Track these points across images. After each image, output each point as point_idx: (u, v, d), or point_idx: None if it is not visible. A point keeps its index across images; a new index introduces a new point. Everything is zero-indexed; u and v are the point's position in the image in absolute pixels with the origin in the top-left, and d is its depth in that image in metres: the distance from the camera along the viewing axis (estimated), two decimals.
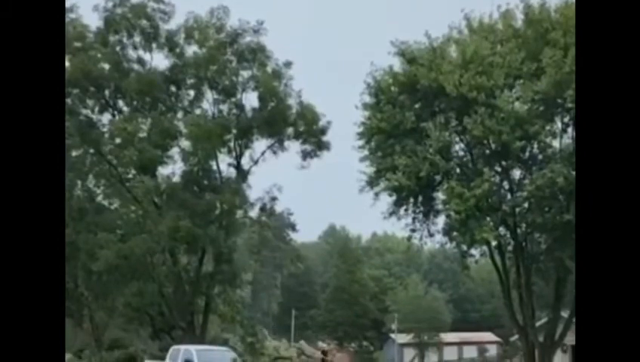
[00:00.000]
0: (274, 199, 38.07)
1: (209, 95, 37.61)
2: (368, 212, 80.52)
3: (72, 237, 32.24)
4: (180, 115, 37.88)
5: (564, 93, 26.53)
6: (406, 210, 31.00)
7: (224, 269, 36.13)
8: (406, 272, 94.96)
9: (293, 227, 42.90)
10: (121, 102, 37.77)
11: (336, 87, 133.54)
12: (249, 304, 59.06)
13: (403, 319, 75.44)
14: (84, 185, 37.36)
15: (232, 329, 45.06)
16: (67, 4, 33.70)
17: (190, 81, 37.67)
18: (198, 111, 37.59)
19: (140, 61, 37.35)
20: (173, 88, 37.81)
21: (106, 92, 37.22)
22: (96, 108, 37.65)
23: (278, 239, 48.78)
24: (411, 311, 75.13)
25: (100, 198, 38.33)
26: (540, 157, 28.88)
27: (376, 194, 30.24)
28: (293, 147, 37.87)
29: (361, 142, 30.49)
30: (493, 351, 78.42)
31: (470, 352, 79.82)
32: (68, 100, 34.58)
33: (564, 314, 32.28)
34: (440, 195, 29.99)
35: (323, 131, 37.60)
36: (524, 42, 28.82)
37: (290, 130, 37.66)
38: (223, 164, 37.60)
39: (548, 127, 28.61)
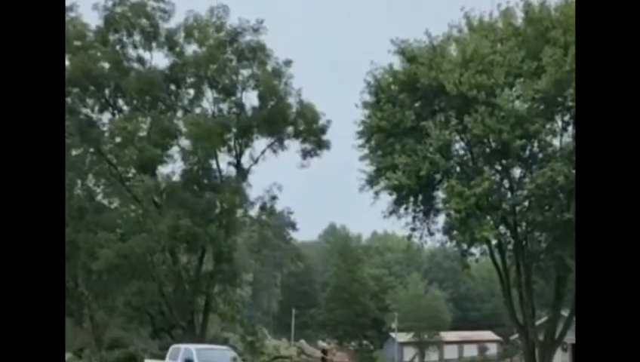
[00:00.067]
0: (274, 198, 38.16)
1: (209, 94, 37.69)
2: (368, 211, 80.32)
3: (72, 237, 32.24)
4: (179, 113, 37.91)
5: (564, 92, 26.53)
6: (406, 208, 31.01)
7: (224, 268, 36.15)
8: (406, 271, 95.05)
9: (293, 226, 43.10)
10: (121, 101, 37.82)
11: (336, 86, 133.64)
12: (249, 303, 59.05)
13: (403, 318, 75.52)
14: (84, 184, 37.38)
15: (232, 329, 45.13)
16: (67, 3, 33.75)
17: (190, 80, 37.69)
18: (198, 110, 37.61)
19: (140, 60, 37.40)
20: (173, 87, 37.84)
21: (106, 91, 37.24)
22: (96, 107, 37.69)
23: (278, 238, 48.89)
24: (411, 310, 75.22)
25: (99, 197, 38.34)
26: (541, 155, 28.88)
27: (377, 193, 30.26)
28: (293, 146, 37.97)
29: (361, 141, 30.52)
30: (493, 349, 78.61)
31: (470, 351, 79.99)
32: (68, 99, 34.61)
33: (565, 312, 32.29)
34: (440, 194, 29.99)
35: (323, 130, 37.63)
36: (524, 41, 28.81)
37: (290, 129, 37.69)
38: (223, 162, 37.72)
39: (548, 126, 28.62)
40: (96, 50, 36.43)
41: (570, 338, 34.39)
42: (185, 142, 36.30)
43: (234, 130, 37.12)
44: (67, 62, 33.33)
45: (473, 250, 30.86)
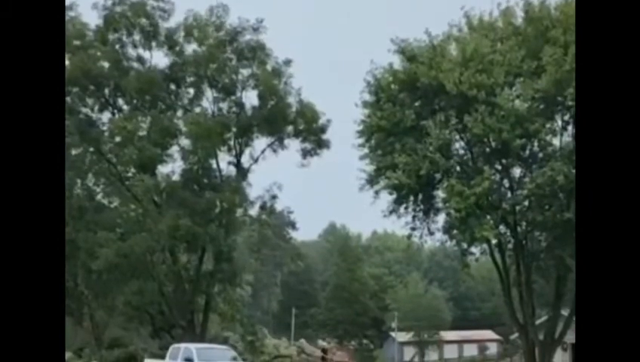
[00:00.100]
0: (274, 197, 38.13)
1: (209, 93, 37.66)
2: (368, 210, 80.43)
3: (72, 236, 32.23)
4: (179, 113, 37.88)
5: (564, 91, 26.54)
6: (406, 208, 31.02)
7: (224, 268, 36.13)
8: (406, 270, 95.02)
9: (293, 225, 42.99)
10: (120, 101, 37.79)
11: (336, 85, 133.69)
12: (249, 302, 59.10)
13: (403, 317, 75.51)
14: (83, 183, 37.35)
15: (232, 328, 45.16)
16: (67, 3, 33.73)
17: (190, 80, 37.66)
18: (197, 110, 37.57)
19: (140, 59, 37.37)
20: (172, 86, 37.81)
21: (106, 90, 37.22)
22: (96, 107, 37.66)
23: (278, 237, 48.82)
24: (411, 310, 75.21)
25: (99, 197, 38.32)
26: (540, 155, 28.89)
27: (377, 193, 30.29)
28: (293, 145, 37.94)
29: (361, 141, 30.53)
30: (493, 349, 78.61)
31: (470, 350, 79.97)
32: (68, 99, 34.58)
33: (565, 312, 32.31)
34: (440, 193, 30.01)
35: (323, 129, 37.61)
36: (524, 40, 28.82)
37: (290, 129, 37.67)
38: (223, 162, 37.68)
39: (548, 125, 28.63)
40: (96, 50, 36.40)
41: (570, 337, 34.40)
42: (185, 142, 36.33)
43: (234, 129, 37.10)
44: (67, 62, 33.31)
45: (473, 249, 30.92)
